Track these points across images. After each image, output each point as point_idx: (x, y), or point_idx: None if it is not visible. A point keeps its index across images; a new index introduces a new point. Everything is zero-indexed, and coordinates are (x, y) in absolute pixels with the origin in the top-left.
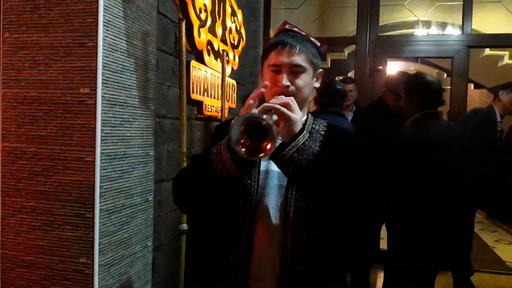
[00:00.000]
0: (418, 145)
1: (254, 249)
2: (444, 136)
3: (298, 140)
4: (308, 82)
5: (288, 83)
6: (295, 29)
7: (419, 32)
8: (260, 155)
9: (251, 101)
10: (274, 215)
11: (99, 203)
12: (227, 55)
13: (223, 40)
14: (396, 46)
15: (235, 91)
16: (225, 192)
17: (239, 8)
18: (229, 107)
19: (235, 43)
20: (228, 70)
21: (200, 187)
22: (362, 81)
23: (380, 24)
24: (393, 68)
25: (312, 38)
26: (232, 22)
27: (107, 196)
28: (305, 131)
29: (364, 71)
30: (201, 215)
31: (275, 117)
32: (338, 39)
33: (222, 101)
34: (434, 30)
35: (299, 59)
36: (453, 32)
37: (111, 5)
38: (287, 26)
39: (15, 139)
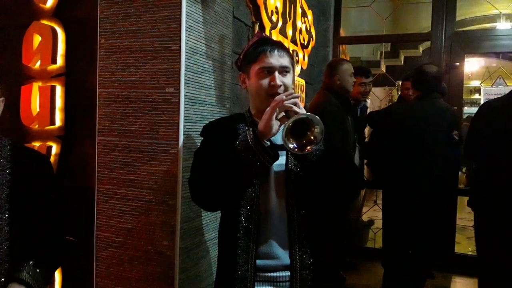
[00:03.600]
0: (401, 118)
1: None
2: (430, 113)
3: None
4: (293, 80)
5: (281, 83)
6: (270, 38)
7: (501, 26)
8: (308, 148)
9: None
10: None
11: (181, 191)
12: (297, 55)
13: (293, 41)
14: (474, 41)
15: (304, 91)
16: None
17: (309, 8)
18: None
19: (305, 43)
20: (298, 69)
21: (224, 182)
22: None
23: (457, 19)
24: (473, 64)
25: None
26: (303, 23)
27: (188, 186)
28: None
29: (440, 68)
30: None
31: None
32: (411, 36)
33: None
34: None
35: (285, 61)
36: None
37: (192, 11)
38: (264, 35)
39: (109, 133)
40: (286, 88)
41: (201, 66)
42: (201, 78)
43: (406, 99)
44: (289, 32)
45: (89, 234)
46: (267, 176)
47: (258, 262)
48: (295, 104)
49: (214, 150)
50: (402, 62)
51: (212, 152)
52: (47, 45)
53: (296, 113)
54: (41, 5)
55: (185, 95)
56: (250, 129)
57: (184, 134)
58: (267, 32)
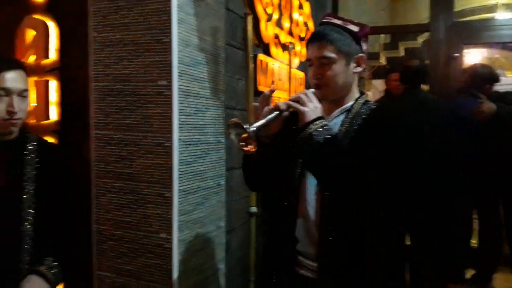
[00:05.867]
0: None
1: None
2: (415, 104)
3: (308, 129)
4: (340, 71)
5: (318, 76)
6: (332, 20)
7: (500, 16)
8: (244, 150)
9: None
10: (312, 191)
11: (177, 184)
12: (294, 47)
13: (290, 33)
14: (473, 32)
15: (303, 83)
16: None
17: (306, 0)
18: None
19: (302, 35)
20: (296, 62)
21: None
22: (438, 69)
23: (457, 9)
24: (475, 55)
25: (349, 26)
26: (299, 15)
27: (183, 178)
28: (318, 121)
29: (439, 59)
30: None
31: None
32: (410, 27)
33: (289, 93)
34: None
35: (327, 51)
36: None
37: (183, 3)
38: (324, 19)
39: (104, 127)
40: (328, 81)
41: (194, 58)
42: (194, 70)
43: (394, 92)
44: (286, 24)
45: (87, 228)
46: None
47: (298, 247)
48: (298, 100)
49: None
50: (402, 54)
51: None
52: (40, 40)
53: (296, 109)
54: None
55: (178, 87)
56: None
57: (178, 127)
58: (262, 25)
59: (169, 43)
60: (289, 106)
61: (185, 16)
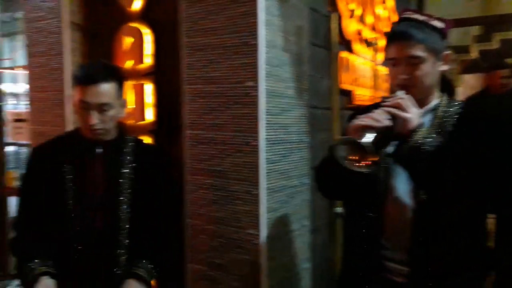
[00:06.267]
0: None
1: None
2: None
3: (412, 137)
4: (429, 70)
5: (405, 76)
6: (414, 15)
7: None
8: (359, 168)
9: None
10: (404, 196)
11: (264, 182)
12: (377, 43)
13: (373, 29)
14: None
15: (388, 80)
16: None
17: None
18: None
19: (386, 30)
20: (380, 58)
21: (337, 177)
22: None
23: None
24: None
25: (433, 22)
26: (383, 9)
27: (270, 177)
28: (420, 127)
29: None
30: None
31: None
32: (506, 16)
33: (373, 90)
34: None
35: (415, 50)
36: None
37: (269, 5)
38: (405, 14)
39: (196, 127)
40: (417, 81)
41: (279, 59)
42: (280, 71)
43: (497, 90)
44: (369, 20)
45: (181, 222)
46: (390, 170)
47: (384, 252)
48: (398, 105)
49: None
50: (496, 46)
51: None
52: (137, 46)
53: (397, 115)
54: (129, 9)
55: (265, 88)
56: None
57: (265, 126)
58: (344, 22)
59: (256, 45)
60: (390, 114)
61: (271, 17)
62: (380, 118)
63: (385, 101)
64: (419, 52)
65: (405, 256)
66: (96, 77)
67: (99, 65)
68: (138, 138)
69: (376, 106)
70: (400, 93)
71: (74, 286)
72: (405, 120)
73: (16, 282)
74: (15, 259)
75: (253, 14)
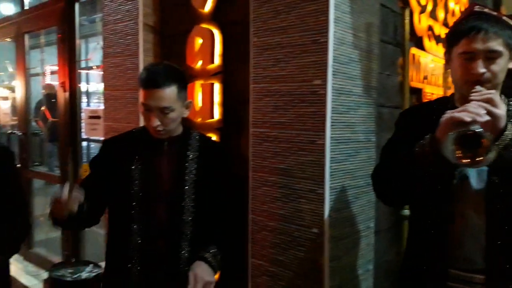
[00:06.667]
0: None
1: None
2: None
3: (506, 136)
4: (504, 66)
5: (484, 70)
6: (485, 10)
7: None
8: (479, 162)
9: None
10: (475, 202)
11: (329, 181)
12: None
13: (446, 24)
14: None
15: None
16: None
17: None
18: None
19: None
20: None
21: (403, 182)
22: None
23: None
24: None
25: (504, 18)
26: (456, 3)
27: (335, 176)
28: (509, 124)
29: None
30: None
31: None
32: None
33: (443, 88)
34: None
35: (494, 44)
36: None
37: (340, 2)
38: (476, 8)
39: (261, 125)
40: (494, 77)
41: (348, 56)
42: (348, 68)
43: None
44: (440, 15)
45: (244, 217)
46: (465, 187)
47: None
48: (490, 101)
49: (401, 142)
50: None
51: (397, 143)
52: (207, 47)
53: (492, 113)
54: (200, 10)
55: (332, 86)
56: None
57: (331, 125)
58: (415, 18)
59: (326, 42)
60: (486, 110)
61: (341, 14)
62: (481, 112)
63: (471, 96)
64: (498, 46)
65: (480, 262)
66: (157, 81)
67: (162, 68)
68: (202, 133)
69: (428, 105)
70: (480, 88)
71: (136, 280)
72: (497, 118)
73: (89, 267)
74: None
75: (324, 11)
